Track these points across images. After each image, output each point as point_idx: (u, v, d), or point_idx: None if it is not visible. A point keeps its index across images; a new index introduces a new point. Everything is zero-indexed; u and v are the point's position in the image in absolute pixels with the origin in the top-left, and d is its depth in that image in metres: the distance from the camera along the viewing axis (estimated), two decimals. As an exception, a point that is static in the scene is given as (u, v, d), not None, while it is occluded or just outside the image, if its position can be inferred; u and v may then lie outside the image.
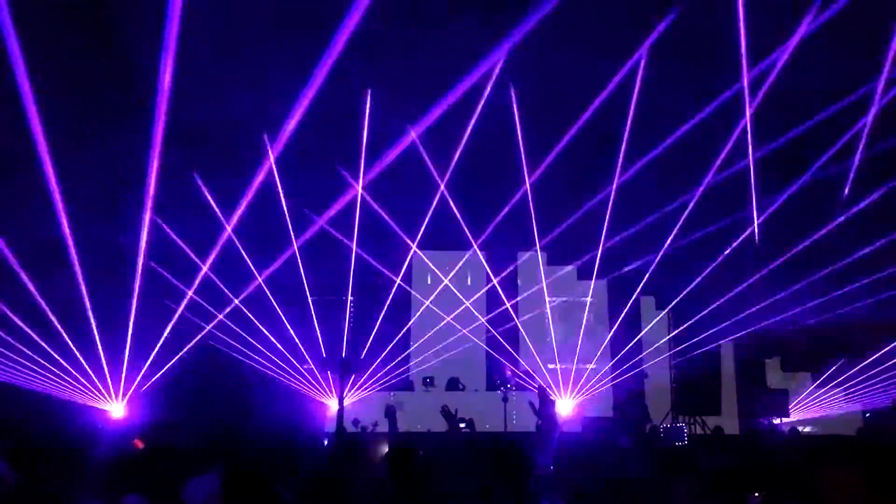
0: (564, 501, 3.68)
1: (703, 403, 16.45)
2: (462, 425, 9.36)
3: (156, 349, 12.69)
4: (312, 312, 14.28)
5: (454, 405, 12.31)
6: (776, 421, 12.35)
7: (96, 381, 12.56)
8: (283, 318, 13.83)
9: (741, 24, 9.29)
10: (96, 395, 12.67)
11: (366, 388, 15.07)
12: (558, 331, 15.73)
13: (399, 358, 15.59)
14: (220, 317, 13.13)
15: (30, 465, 5.31)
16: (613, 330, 15.64)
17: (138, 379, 12.73)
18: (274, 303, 13.51)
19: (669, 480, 4.38)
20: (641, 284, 14.70)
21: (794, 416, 14.17)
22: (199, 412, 11.90)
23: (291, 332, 14.03)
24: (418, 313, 16.00)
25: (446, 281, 15.55)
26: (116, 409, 12.82)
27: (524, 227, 13.71)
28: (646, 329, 16.17)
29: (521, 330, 15.92)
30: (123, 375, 12.67)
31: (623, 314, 15.42)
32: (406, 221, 13.42)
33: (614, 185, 12.18)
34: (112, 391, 12.72)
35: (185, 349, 13.16)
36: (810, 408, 15.29)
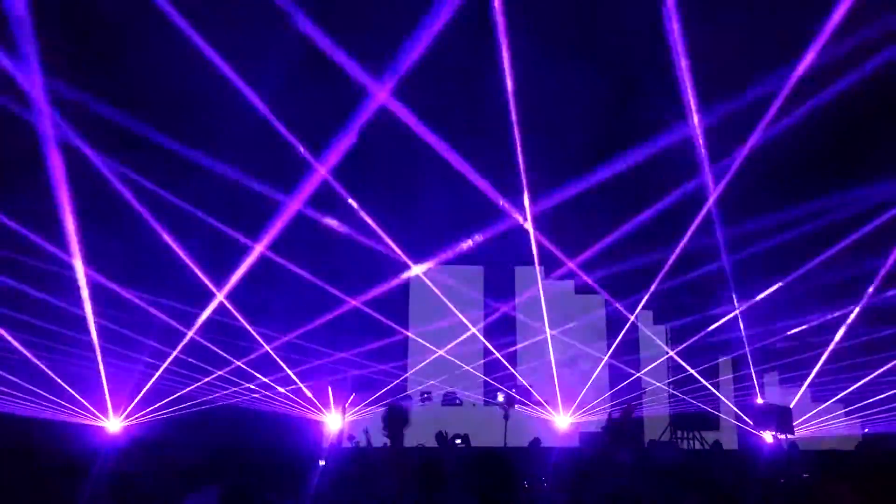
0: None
1: (701, 419, 16.40)
2: (458, 441, 9.30)
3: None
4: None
5: (451, 420, 12.27)
6: (769, 438, 12.28)
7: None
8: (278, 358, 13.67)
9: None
10: (90, 414, 12.50)
11: (364, 407, 15.03)
12: (556, 349, 15.72)
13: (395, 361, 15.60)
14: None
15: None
16: (611, 350, 15.63)
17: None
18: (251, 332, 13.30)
19: (671, 496, 4.36)
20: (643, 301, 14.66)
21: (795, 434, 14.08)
22: (196, 430, 11.81)
23: (284, 367, 13.88)
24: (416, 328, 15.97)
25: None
26: (113, 425, 12.68)
27: (521, 241, 13.69)
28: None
29: (518, 346, 15.92)
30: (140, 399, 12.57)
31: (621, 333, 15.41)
32: (401, 236, 13.35)
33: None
34: (109, 407, 12.56)
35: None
36: (809, 426, 15.19)
